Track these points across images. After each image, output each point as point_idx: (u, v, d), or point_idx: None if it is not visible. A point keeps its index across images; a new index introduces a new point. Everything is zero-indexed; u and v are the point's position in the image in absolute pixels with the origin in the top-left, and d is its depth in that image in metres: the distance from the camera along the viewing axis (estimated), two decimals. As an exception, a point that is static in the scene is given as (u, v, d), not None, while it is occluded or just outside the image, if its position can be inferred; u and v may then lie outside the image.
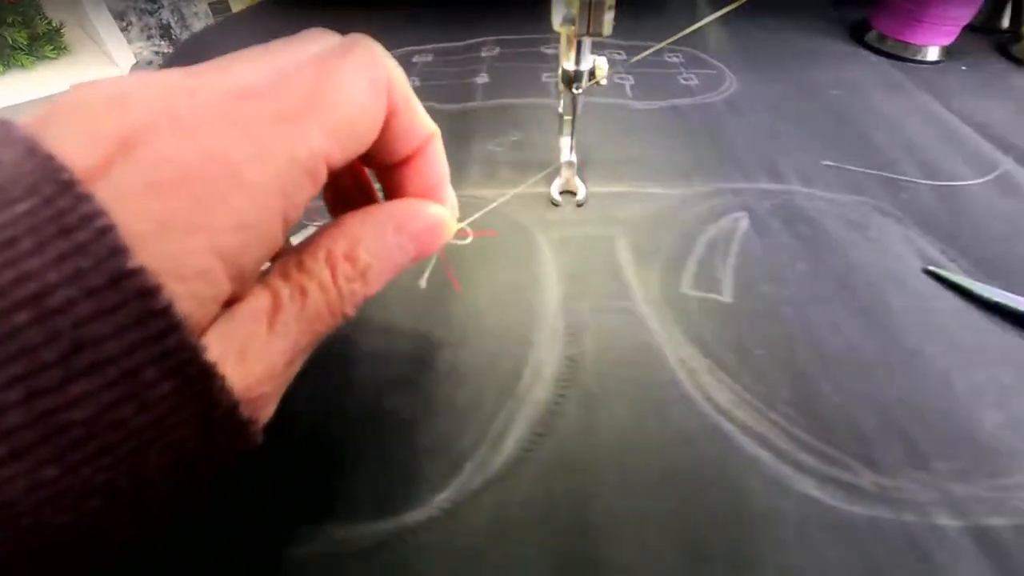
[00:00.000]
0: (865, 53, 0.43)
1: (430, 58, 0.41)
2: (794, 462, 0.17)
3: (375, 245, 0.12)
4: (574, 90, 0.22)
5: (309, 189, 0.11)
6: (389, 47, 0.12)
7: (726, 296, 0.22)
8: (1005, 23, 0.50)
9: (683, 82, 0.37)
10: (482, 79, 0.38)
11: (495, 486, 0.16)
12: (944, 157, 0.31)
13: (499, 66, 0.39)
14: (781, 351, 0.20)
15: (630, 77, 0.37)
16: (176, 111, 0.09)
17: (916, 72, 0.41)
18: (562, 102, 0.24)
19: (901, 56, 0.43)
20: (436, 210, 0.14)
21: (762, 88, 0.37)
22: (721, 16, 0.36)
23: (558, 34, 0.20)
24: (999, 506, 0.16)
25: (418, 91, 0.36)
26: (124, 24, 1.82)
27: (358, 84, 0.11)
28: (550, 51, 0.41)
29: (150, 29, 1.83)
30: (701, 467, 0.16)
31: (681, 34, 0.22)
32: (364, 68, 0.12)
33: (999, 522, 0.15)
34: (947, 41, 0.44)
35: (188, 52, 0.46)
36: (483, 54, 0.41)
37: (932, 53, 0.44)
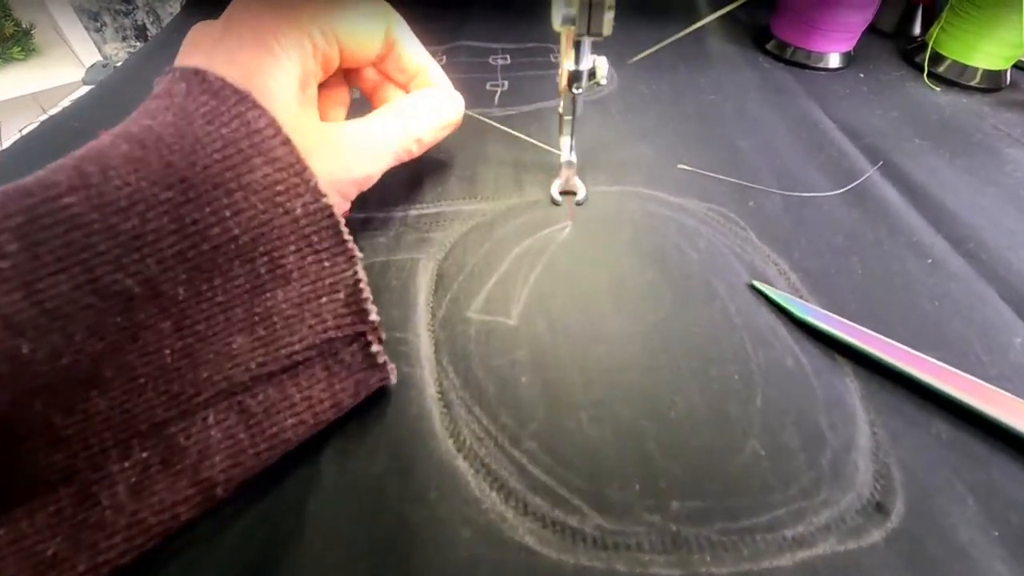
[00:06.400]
0: (759, 59, 0.42)
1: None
2: (521, 504, 0.15)
3: None
4: (574, 90, 0.22)
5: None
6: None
7: (512, 318, 0.20)
8: (916, 31, 0.49)
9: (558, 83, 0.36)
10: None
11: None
12: (806, 166, 0.30)
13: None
14: (549, 377, 0.18)
15: (504, 83, 0.36)
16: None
17: (810, 79, 0.40)
18: (562, 102, 0.23)
19: (804, 64, 0.42)
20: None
21: (641, 89, 0.36)
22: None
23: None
24: (724, 553, 0.14)
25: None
26: (99, 25, 1.80)
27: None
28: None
29: (125, 30, 1.81)
30: (411, 509, 0.15)
31: (681, 34, 0.21)
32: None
33: (718, 571, 0.14)
34: (846, 48, 0.43)
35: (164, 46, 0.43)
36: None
37: (833, 60, 0.43)
